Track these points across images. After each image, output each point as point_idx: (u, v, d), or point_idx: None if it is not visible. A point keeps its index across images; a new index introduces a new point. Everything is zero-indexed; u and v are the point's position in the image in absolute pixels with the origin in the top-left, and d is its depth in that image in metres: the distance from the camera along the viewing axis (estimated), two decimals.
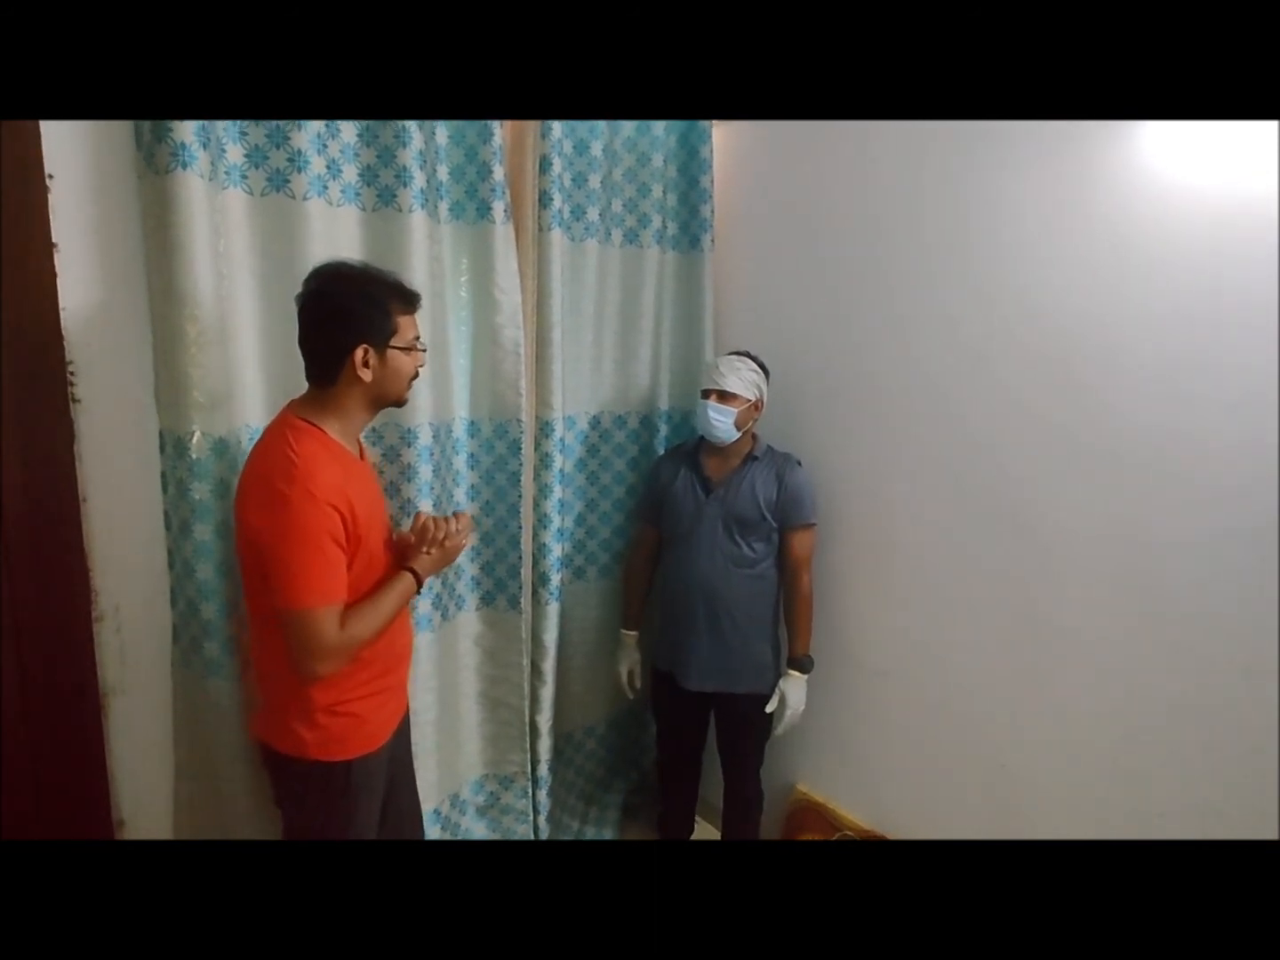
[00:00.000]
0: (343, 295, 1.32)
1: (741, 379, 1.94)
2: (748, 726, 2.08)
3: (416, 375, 1.43)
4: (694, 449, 2.10)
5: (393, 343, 1.35)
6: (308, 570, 1.25)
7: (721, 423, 1.94)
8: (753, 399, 1.97)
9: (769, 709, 2.02)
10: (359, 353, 1.31)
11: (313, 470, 1.26)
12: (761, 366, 2.01)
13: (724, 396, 1.94)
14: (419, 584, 1.44)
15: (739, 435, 1.97)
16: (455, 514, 1.55)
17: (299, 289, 1.36)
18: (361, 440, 1.49)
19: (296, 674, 1.31)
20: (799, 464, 2.03)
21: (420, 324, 1.79)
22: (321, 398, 1.36)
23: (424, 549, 1.47)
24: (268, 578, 1.27)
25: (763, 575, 2.02)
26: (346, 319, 1.32)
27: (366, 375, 1.33)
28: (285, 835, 1.51)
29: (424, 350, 1.44)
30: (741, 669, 2.02)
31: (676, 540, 2.07)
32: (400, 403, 1.44)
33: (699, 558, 2.00)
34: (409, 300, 1.40)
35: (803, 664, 2.02)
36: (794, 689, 2.01)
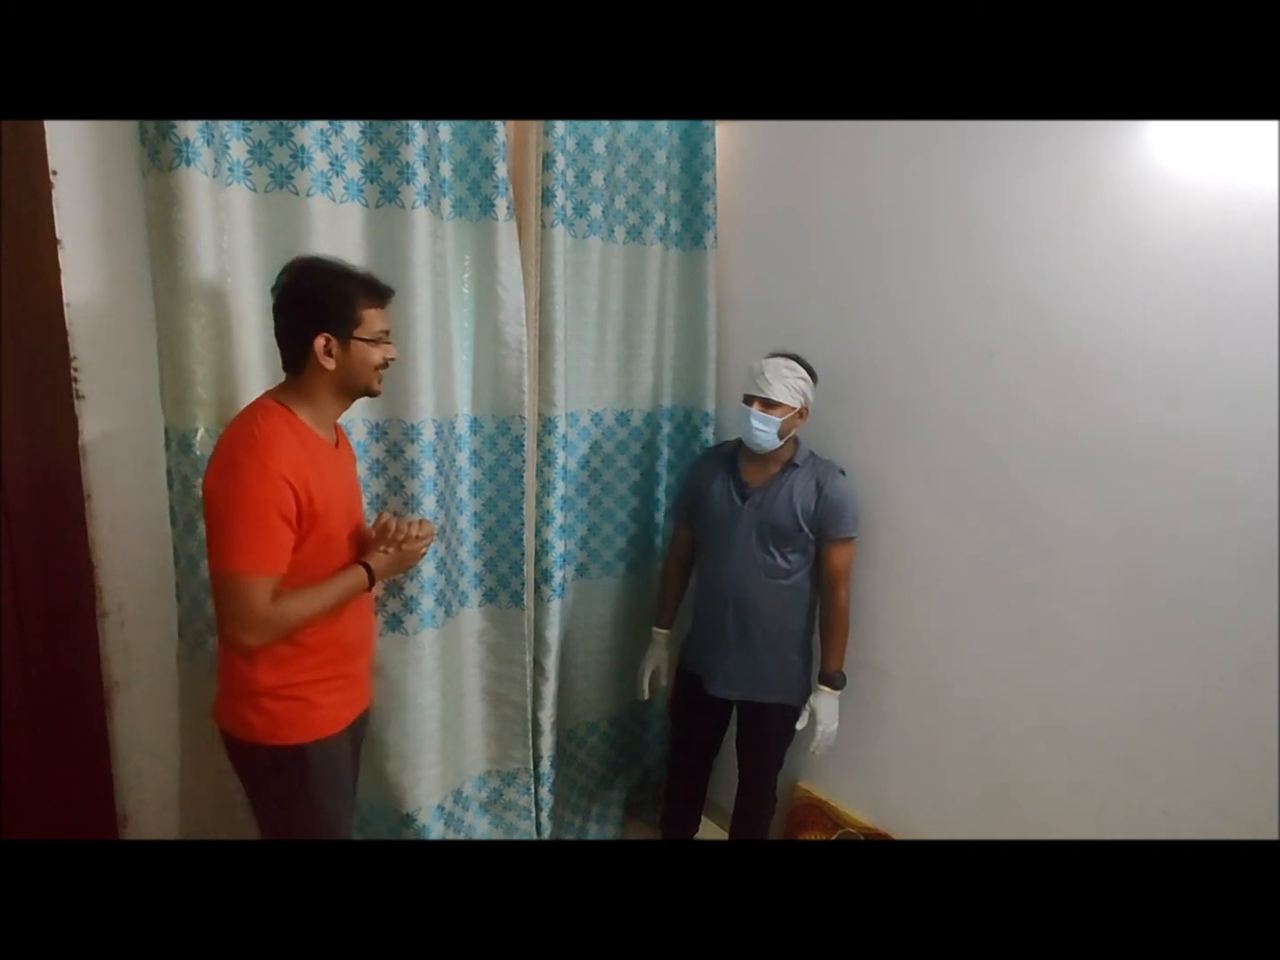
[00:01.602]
0: (307, 286, 1.36)
1: (788, 386, 1.85)
2: (770, 736, 2.03)
3: (385, 366, 1.44)
4: (733, 451, 2.03)
5: (356, 334, 1.38)
6: (246, 536, 1.26)
7: (764, 432, 1.86)
8: (797, 406, 1.88)
9: (799, 726, 1.96)
10: (320, 341, 1.34)
11: (271, 443, 1.29)
12: (809, 371, 1.92)
13: (768, 405, 1.85)
14: (371, 580, 1.45)
15: (781, 443, 1.90)
16: (420, 519, 1.57)
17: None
18: (341, 429, 1.52)
19: (223, 640, 1.33)
20: (842, 473, 1.94)
21: (423, 321, 1.81)
22: (295, 385, 1.40)
23: (381, 547, 1.49)
24: (209, 540, 1.30)
25: (796, 586, 1.95)
26: (309, 308, 1.36)
27: (329, 364, 1.36)
28: (258, 825, 1.51)
29: (391, 344, 1.46)
30: (768, 679, 1.97)
31: (710, 545, 2.02)
32: (371, 393, 1.46)
33: (731, 565, 1.95)
34: (377, 294, 1.42)
35: (834, 680, 1.95)
36: (825, 706, 1.95)
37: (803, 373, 1.90)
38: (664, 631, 2.21)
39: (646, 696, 2.24)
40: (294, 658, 1.38)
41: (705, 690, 2.02)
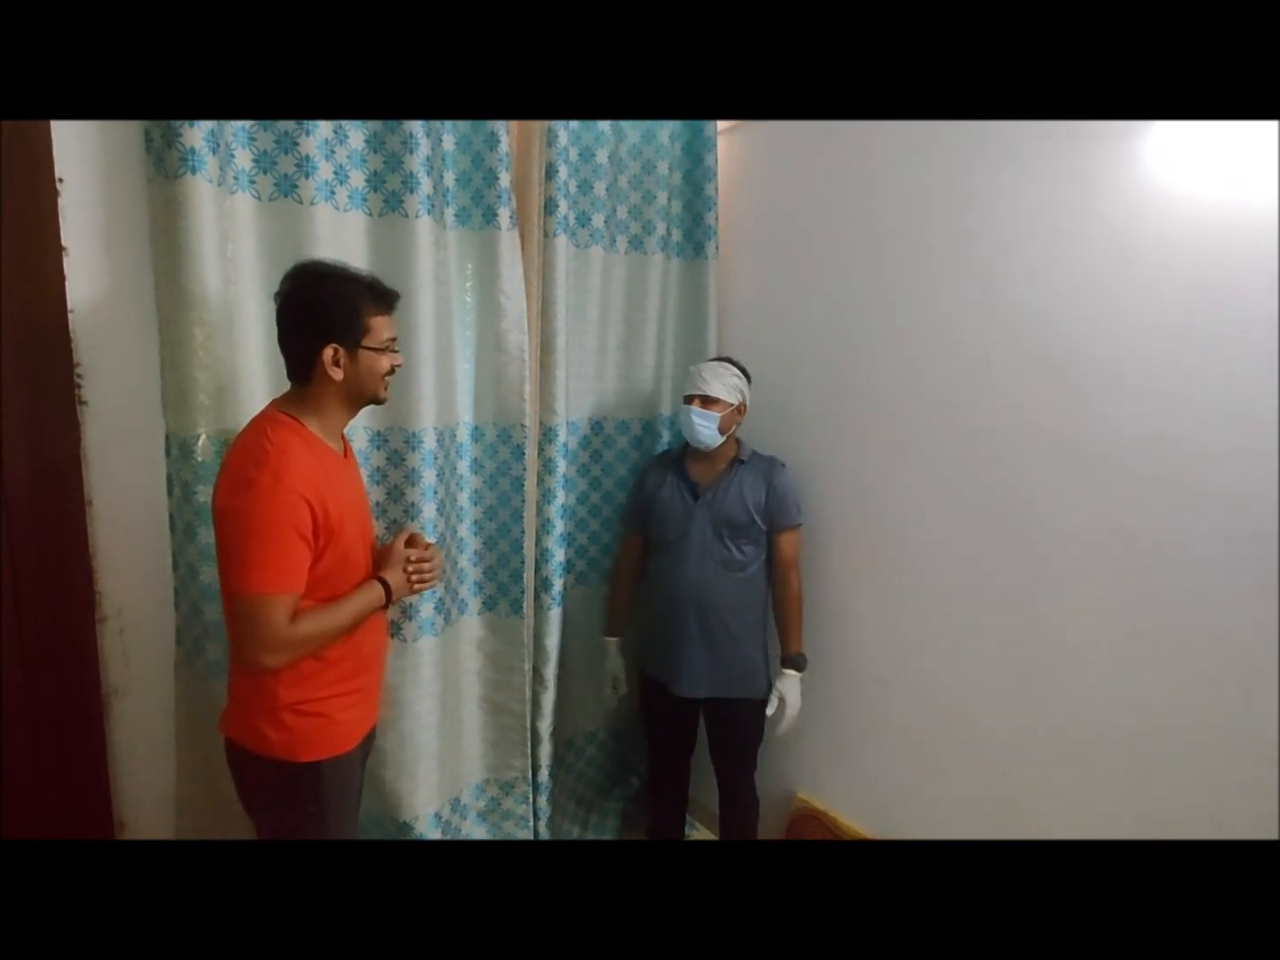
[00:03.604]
0: (313, 295, 1.33)
1: (724, 384, 1.97)
2: (740, 732, 2.08)
3: (393, 373, 1.42)
4: (680, 455, 2.11)
5: (364, 343, 1.35)
6: (262, 556, 1.23)
7: (705, 427, 1.95)
8: (735, 403, 1.98)
9: (769, 711, 2.01)
10: (328, 351, 1.31)
11: (285, 459, 1.26)
12: (743, 371, 2.04)
13: (707, 401, 1.96)
14: (389, 598, 1.43)
15: (723, 440, 1.99)
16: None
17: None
18: (346, 438, 1.49)
19: (240, 661, 1.30)
20: (784, 466, 2.05)
21: (425, 329, 1.82)
22: (301, 395, 1.37)
23: (412, 558, 1.48)
24: (227, 561, 1.27)
25: (752, 579, 2.02)
26: (315, 318, 1.32)
27: (337, 374, 1.33)
28: (259, 837, 1.47)
29: (398, 351, 1.43)
30: (733, 674, 2.02)
31: (666, 546, 2.07)
32: (378, 401, 1.43)
33: (689, 563, 2.00)
34: (384, 300, 1.39)
35: (797, 662, 2.01)
36: (791, 688, 2.00)
37: (737, 372, 2.03)
38: (614, 640, 2.26)
39: (616, 700, 2.32)
40: (316, 672, 1.35)
41: (670, 693, 2.05)
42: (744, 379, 2.03)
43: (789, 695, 2.00)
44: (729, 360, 2.05)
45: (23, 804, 1.59)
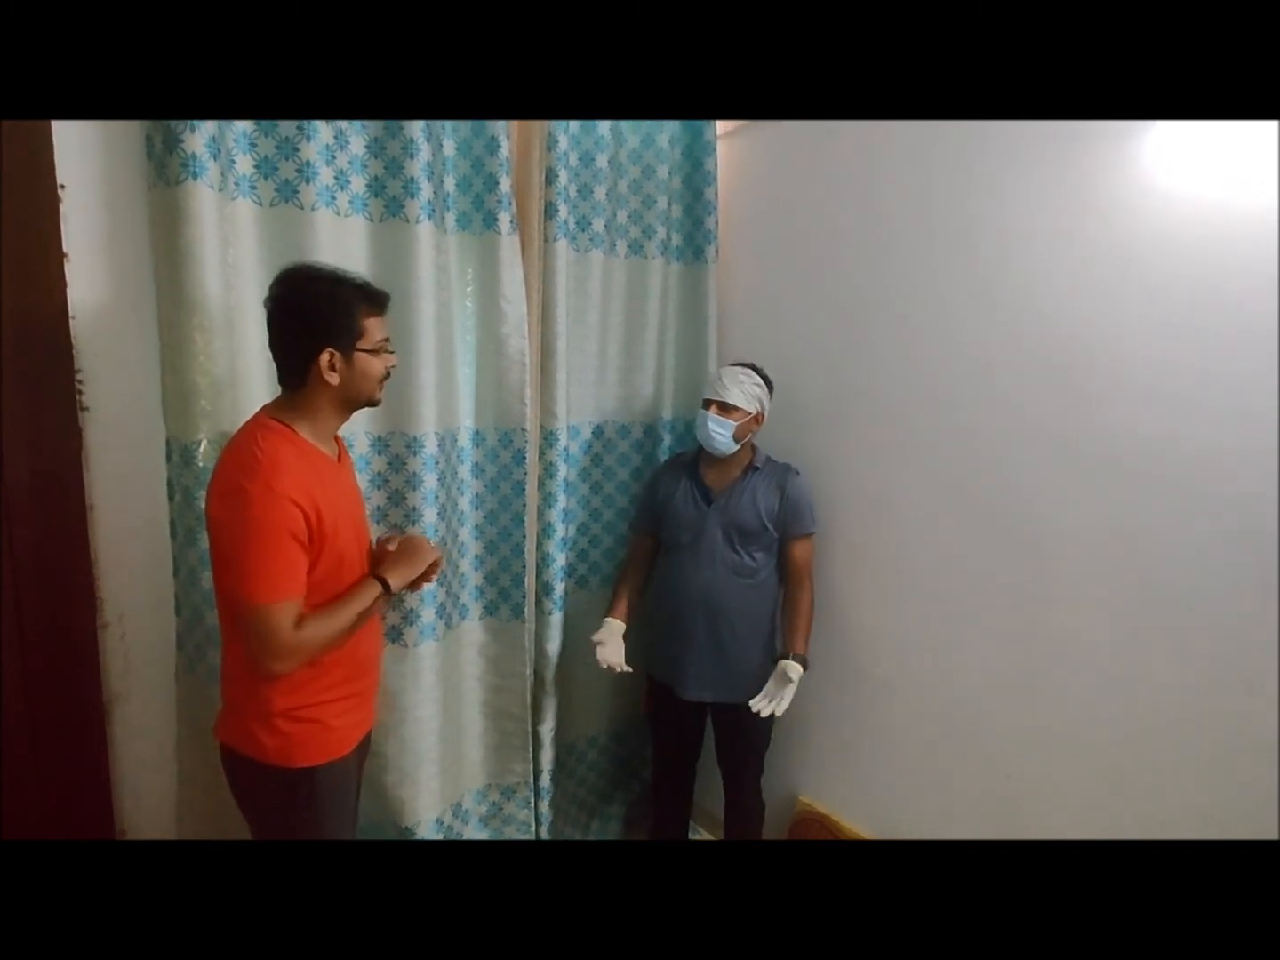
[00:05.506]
0: (306, 299, 1.31)
1: (744, 391, 1.94)
2: (747, 737, 2.07)
3: (388, 375, 1.41)
4: (693, 459, 2.10)
5: (359, 345, 1.33)
6: (265, 565, 1.23)
7: (720, 434, 1.94)
8: (753, 411, 1.96)
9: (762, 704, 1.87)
10: (324, 356, 1.30)
11: (276, 466, 1.24)
12: (765, 379, 2.01)
13: (725, 409, 1.94)
14: (389, 593, 1.42)
15: (738, 447, 1.97)
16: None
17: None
18: (342, 442, 1.48)
19: (254, 671, 1.30)
20: (798, 474, 2.03)
21: (426, 334, 1.83)
22: (293, 400, 1.35)
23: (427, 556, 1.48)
24: (226, 572, 1.27)
25: (762, 585, 2.01)
26: (310, 323, 1.31)
27: (333, 379, 1.32)
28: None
29: (392, 352, 1.42)
30: (741, 679, 2.00)
31: (677, 550, 2.05)
32: (373, 403, 1.42)
33: (700, 568, 1.99)
34: (376, 302, 1.38)
35: (801, 659, 1.92)
36: (793, 671, 1.88)
37: (759, 380, 2.00)
38: (617, 621, 2.08)
39: (608, 666, 2.06)
40: (311, 678, 1.35)
41: (676, 697, 2.04)
42: (765, 387, 2.00)
43: (792, 674, 1.86)
44: (752, 367, 2.01)
45: (24, 809, 1.59)
